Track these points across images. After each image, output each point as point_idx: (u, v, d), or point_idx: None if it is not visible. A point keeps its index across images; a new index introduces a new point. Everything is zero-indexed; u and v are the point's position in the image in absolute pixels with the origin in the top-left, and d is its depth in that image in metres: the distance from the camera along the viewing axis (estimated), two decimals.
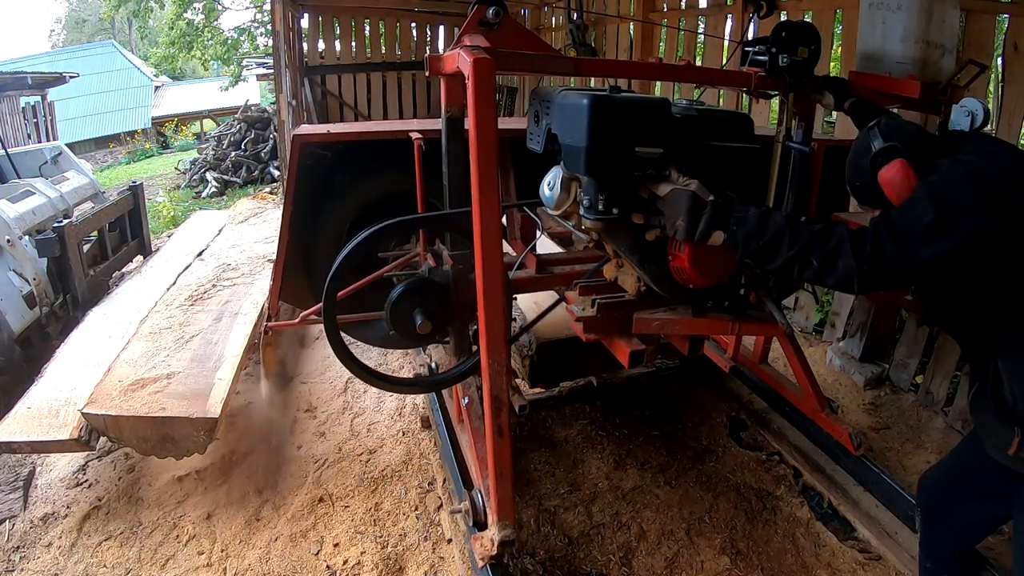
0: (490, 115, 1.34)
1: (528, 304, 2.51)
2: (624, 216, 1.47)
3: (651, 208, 1.48)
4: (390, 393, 2.96)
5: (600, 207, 1.43)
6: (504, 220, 1.72)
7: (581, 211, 1.48)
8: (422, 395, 2.78)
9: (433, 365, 2.17)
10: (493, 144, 1.36)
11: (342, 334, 1.72)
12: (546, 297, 2.42)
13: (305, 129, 2.03)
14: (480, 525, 1.71)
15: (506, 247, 1.92)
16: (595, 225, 1.48)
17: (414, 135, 1.87)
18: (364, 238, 1.63)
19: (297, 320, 2.21)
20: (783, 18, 3.78)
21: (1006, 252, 1.30)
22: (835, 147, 2.22)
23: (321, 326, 1.82)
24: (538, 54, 1.58)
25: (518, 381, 2.54)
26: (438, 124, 1.64)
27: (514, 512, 1.59)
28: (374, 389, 2.99)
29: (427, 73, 1.54)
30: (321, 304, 1.66)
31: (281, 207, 3.20)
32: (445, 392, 2.40)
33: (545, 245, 2.32)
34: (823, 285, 1.41)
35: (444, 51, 1.60)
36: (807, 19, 4.00)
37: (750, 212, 1.39)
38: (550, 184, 1.51)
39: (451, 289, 1.70)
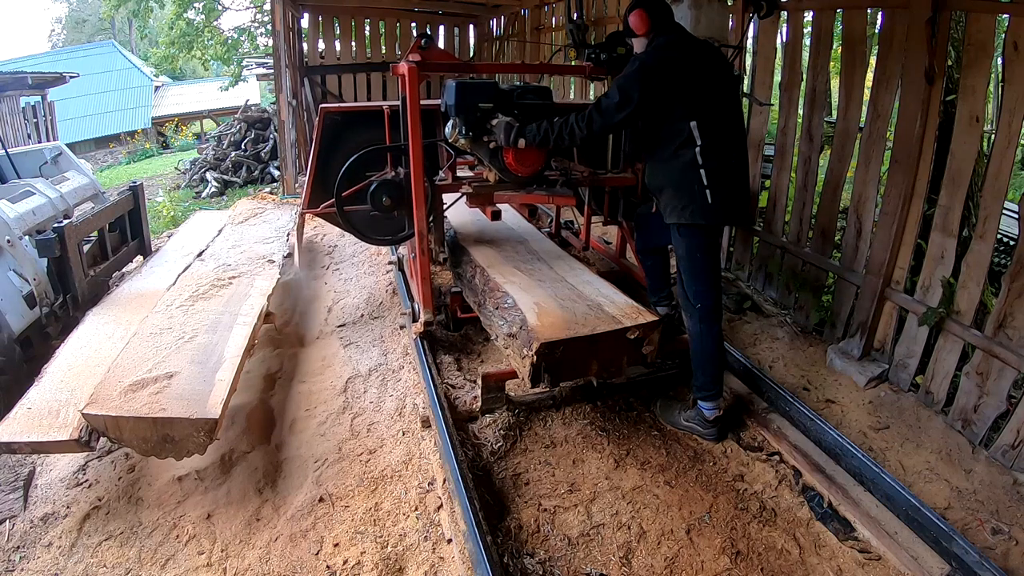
0: (415, 97, 2.80)
1: (527, 303, 2.52)
2: (478, 137, 2.78)
3: (491, 132, 2.75)
4: (390, 387, 2.98)
5: (464, 132, 2.76)
6: (439, 155, 3.41)
7: (459, 137, 2.77)
8: (421, 394, 2.86)
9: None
10: (417, 112, 2.81)
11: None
12: (545, 298, 2.53)
13: (326, 105, 3.49)
14: (415, 319, 3.21)
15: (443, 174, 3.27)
16: (466, 142, 2.79)
17: (385, 107, 3.16)
18: (358, 156, 3.04)
19: (320, 208, 3.34)
20: (783, 18, 3.78)
21: (650, 110, 2.42)
22: None
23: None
24: (448, 62, 3.15)
25: (518, 381, 2.65)
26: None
27: (432, 304, 3.11)
28: (374, 389, 3.03)
29: (391, 74, 3.02)
30: (334, 199, 3.09)
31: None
32: (407, 273, 3.93)
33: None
34: (574, 145, 2.84)
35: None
36: (808, 19, 4.01)
37: (534, 126, 2.63)
38: (447, 127, 2.82)
39: (403, 184, 3.06)
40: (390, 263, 4.38)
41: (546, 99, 2.89)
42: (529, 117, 2.71)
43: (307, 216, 3.56)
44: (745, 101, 3.92)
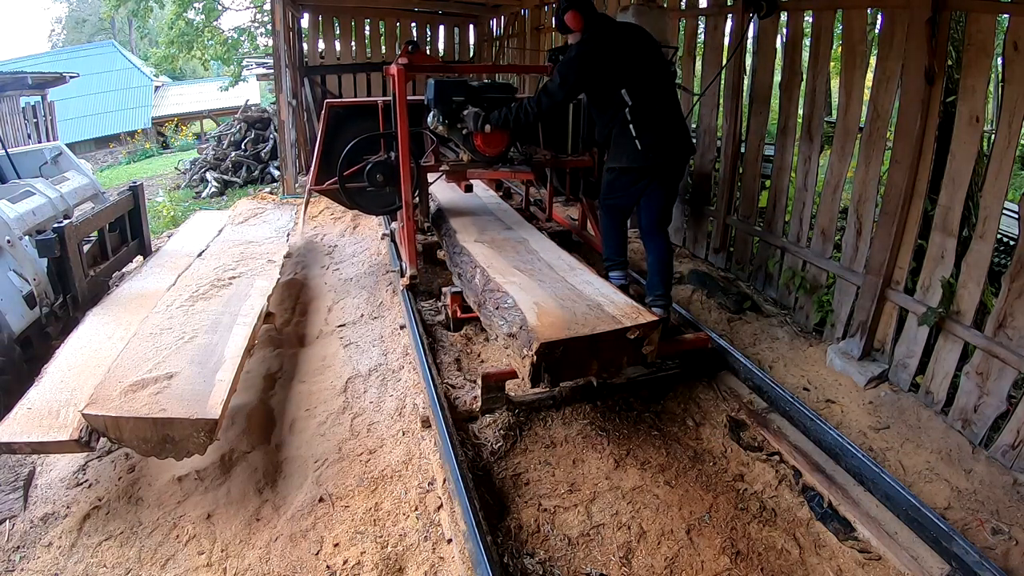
0: (403, 93, 3.43)
1: (527, 303, 2.52)
2: (453, 125, 3.43)
3: (463, 120, 3.39)
4: (390, 387, 2.98)
5: (442, 121, 3.40)
6: (424, 141, 3.98)
7: (438, 124, 3.40)
8: (421, 394, 2.87)
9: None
10: (404, 106, 3.43)
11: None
12: (545, 298, 2.53)
13: (331, 100, 4.09)
14: (403, 274, 3.84)
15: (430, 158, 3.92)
16: (443, 129, 3.44)
17: (379, 102, 3.82)
18: (357, 140, 3.68)
19: (325, 186, 3.92)
20: (783, 18, 3.78)
21: (588, 85, 3.10)
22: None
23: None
24: (430, 64, 3.92)
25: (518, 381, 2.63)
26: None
27: (416, 264, 3.79)
28: (374, 389, 3.03)
29: (384, 73, 3.72)
30: (336, 177, 3.76)
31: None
32: (398, 240, 4.42)
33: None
34: (528, 124, 3.31)
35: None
36: (808, 20, 4.01)
37: (497, 112, 3.28)
38: (429, 117, 3.44)
39: (393, 164, 3.66)
40: (383, 236, 5.09)
41: (508, 93, 3.58)
42: (494, 108, 3.33)
43: (311, 206, 4.16)
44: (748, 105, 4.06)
